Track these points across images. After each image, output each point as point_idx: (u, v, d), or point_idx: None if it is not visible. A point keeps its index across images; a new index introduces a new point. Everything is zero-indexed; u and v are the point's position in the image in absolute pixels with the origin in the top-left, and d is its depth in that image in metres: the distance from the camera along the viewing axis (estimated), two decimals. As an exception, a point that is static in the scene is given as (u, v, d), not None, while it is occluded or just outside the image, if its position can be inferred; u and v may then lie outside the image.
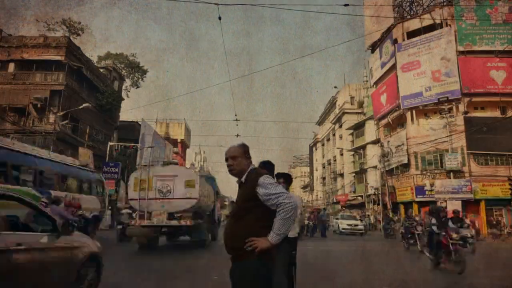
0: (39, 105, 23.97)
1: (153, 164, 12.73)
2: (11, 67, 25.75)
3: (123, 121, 36.65)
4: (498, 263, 10.67)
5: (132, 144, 32.38)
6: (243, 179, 2.40)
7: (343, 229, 23.45)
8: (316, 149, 63.02)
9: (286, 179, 4.24)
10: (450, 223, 8.23)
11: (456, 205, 21.73)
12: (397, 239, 17.31)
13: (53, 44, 25.78)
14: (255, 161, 2.60)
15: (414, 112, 28.06)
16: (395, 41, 29.59)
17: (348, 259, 10.84)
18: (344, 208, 41.52)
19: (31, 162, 9.94)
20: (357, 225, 23.91)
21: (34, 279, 3.53)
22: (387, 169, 30.05)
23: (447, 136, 24.45)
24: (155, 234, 11.01)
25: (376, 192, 32.48)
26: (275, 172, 4.01)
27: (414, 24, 29.07)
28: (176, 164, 20.74)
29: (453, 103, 25.61)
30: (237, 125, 46.38)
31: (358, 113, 43.33)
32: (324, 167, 56.72)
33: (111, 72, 34.42)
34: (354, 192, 40.64)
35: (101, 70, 33.17)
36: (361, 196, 37.79)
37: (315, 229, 21.12)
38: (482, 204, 24.08)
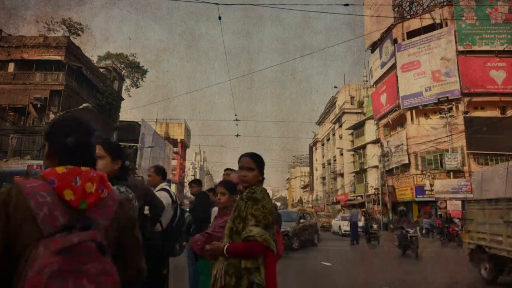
0: (39, 105, 23.97)
1: None
2: (11, 67, 25.74)
3: (123, 121, 36.63)
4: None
5: (132, 144, 32.41)
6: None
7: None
8: (316, 149, 63.02)
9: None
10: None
11: (456, 205, 21.74)
12: None
13: (53, 44, 25.77)
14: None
15: (414, 112, 28.06)
16: (395, 41, 29.58)
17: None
18: (343, 208, 41.53)
19: None
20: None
21: None
22: (387, 169, 30.05)
23: (447, 136, 24.45)
24: None
25: (376, 192, 32.48)
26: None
27: (414, 24, 29.06)
28: None
29: (453, 103, 25.61)
30: (237, 125, 46.36)
31: (358, 113, 43.34)
32: (324, 167, 56.72)
33: (111, 72, 34.40)
34: (354, 192, 40.63)
35: (101, 70, 33.15)
36: (361, 196, 37.79)
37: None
38: (482, 204, 24.06)
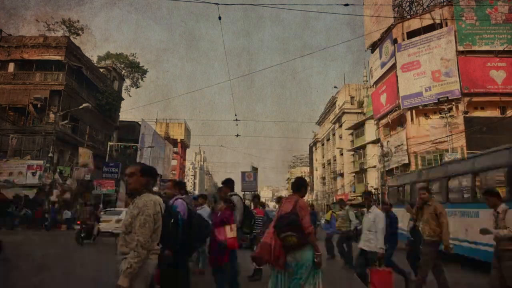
0: (39, 105, 23.99)
1: None
2: (11, 67, 25.77)
3: (123, 121, 36.67)
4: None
5: (132, 144, 32.44)
6: None
7: None
8: (316, 149, 63.04)
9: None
10: None
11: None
12: None
13: (53, 44, 25.80)
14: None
15: (414, 112, 28.07)
16: (395, 41, 29.59)
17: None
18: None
19: None
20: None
21: None
22: (387, 169, 30.05)
23: (447, 136, 24.44)
24: None
25: (376, 192, 32.47)
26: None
27: (414, 24, 29.07)
28: None
29: (453, 103, 25.60)
30: (237, 125, 46.52)
31: (358, 113, 43.35)
32: (324, 167, 56.74)
33: (111, 72, 34.42)
34: (354, 192, 40.64)
35: (101, 70, 33.17)
36: (361, 196, 37.79)
37: None
38: (482, 204, 24.09)
